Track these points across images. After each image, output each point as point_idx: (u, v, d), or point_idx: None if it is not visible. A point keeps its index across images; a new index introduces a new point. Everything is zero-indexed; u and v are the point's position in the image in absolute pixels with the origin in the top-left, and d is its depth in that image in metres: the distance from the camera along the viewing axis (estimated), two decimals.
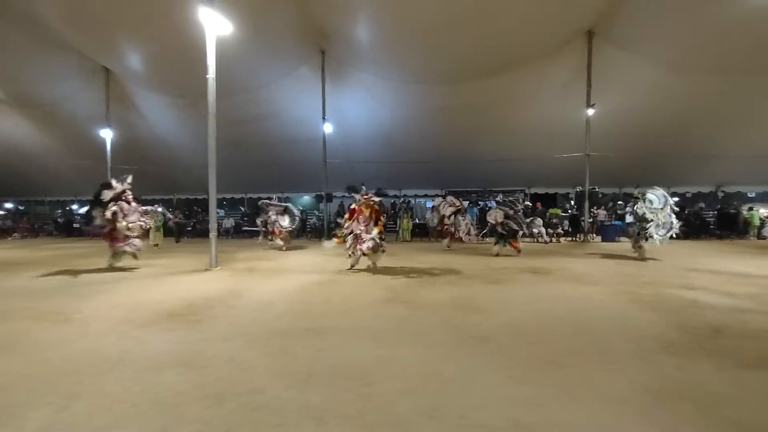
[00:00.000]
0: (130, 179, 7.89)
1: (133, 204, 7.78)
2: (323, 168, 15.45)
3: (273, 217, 11.89)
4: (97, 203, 7.60)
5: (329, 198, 16.52)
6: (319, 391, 2.36)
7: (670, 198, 8.84)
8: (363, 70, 14.54)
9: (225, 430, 1.97)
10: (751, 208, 15.76)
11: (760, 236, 15.17)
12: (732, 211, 15.74)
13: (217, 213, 11.14)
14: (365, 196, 7.12)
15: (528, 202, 16.57)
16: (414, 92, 14.55)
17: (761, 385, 2.43)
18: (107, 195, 7.56)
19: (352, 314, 4.21)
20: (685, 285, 5.61)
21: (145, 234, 8.97)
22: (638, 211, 8.53)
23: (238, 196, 22.51)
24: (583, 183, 14.11)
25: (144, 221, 7.90)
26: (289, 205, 12.55)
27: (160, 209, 13.29)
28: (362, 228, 7.05)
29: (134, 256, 7.88)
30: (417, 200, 20.50)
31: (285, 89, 15.17)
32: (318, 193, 17.12)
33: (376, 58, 13.82)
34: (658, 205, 8.57)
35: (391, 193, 20.43)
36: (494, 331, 3.52)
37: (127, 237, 7.67)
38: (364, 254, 7.12)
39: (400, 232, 15.62)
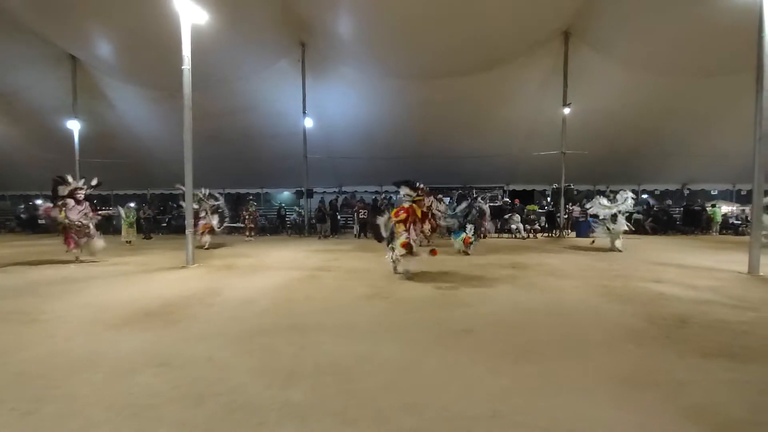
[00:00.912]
0: (95, 182, 8.26)
1: (84, 204, 8.02)
2: (304, 163, 15.26)
3: (202, 213, 10.88)
4: (56, 199, 7.84)
5: (309, 194, 16.34)
6: (301, 389, 2.36)
7: (627, 202, 9.56)
8: (344, 64, 14.42)
9: (204, 431, 1.94)
10: (713, 205, 16.64)
11: (721, 232, 16.05)
12: (696, 207, 16.57)
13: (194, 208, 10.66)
14: (418, 193, 5.93)
15: (507, 199, 16.93)
16: (395, 88, 14.56)
17: (720, 372, 2.59)
18: (63, 190, 7.84)
19: (334, 311, 4.20)
20: (653, 278, 5.89)
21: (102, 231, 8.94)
22: (588, 208, 9.41)
23: (215, 190, 21.92)
24: (560, 180, 14.52)
25: (83, 221, 7.94)
26: (221, 202, 11.71)
27: (122, 210, 12.62)
28: (415, 237, 5.89)
29: (77, 257, 7.99)
30: (398, 196, 20.54)
31: (265, 82, 14.87)
32: (298, 188, 16.90)
33: (357, 53, 13.73)
34: (607, 204, 9.63)
35: (372, 189, 20.49)
36: (474, 325, 3.60)
37: (80, 234, 7.87)
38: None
39: None
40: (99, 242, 8.22)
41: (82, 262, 8.01)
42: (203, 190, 11.10)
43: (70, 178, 8.17)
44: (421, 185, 6.02)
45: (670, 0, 10.70)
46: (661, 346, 3.04)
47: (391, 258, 6.22)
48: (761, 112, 6.33)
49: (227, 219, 11.75)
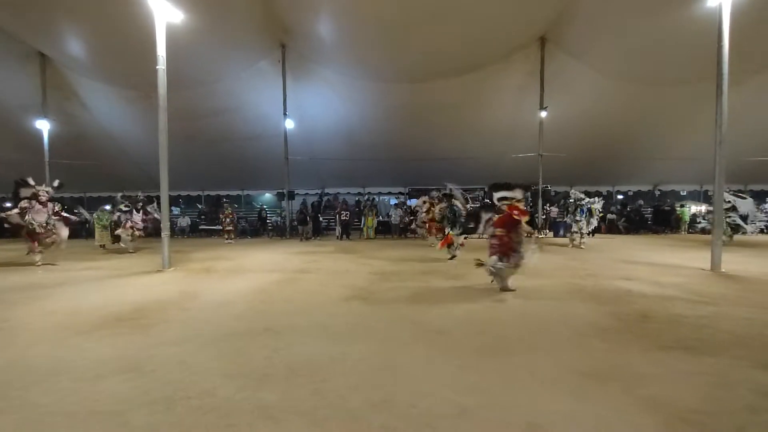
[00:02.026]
0: (56, 183, 8.40)
1: (49, 205, 8.08)
2: (285, 165, 15.14)
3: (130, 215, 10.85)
4: (19, 201, 7.88)
5: (291, 195, 16.22)
6: (273, 391, 2.36)
7: (593, 203, 10.71)
8: (325, 66, 14.39)
9: None
10: (682, 205, 17.39)
11: (690, 231, 16.77)
12: (666, 208, 17.28)
13: (171, 211, 10.47)
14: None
15: (488, 200, 17.19)
16: (375, 90, 14.62)
17: (676, 364, 2.73)
18: (25, 193, 7.91)
19: (311, 313, 4.20)
20: (623, 276, 6.12)
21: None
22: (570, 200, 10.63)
23: (194, 193, 21.51)
24: (537, 181, 14.87)
25: (48, 223, 8.00)
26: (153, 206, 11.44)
27: (86, 213, 12.38)
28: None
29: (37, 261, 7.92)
30: (381, 197, 20.65)
31: (244, 83, 14.68)
32: (280, 190, 16.73)
33: (338, 55, 13.73)
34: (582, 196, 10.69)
35: (354, 190, 20.50)
36: (449, 324, 3.67)
37: (41, 235, 7.89)
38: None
39: (365, 229, 15.67)
40: (63, 242, 8.21)
41: (44, 265, 7.87)
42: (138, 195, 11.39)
43: (31, 181, 8.10)
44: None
45: (637, 10, 11.14)
46: (625, 341, 3.18)
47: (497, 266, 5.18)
48: (722, 117, 6.68)
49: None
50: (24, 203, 7.87)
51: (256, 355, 2.96)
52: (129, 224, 10.79)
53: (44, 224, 7.93)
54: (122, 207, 11.08)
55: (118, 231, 10.96)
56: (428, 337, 3.34)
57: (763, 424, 1.98)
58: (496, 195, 5.46)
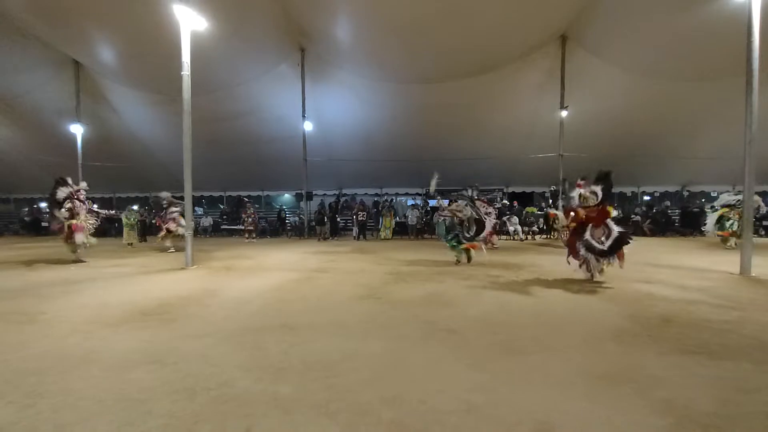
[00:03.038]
0: (84, 185, 8.83)
1: (85, 204, 8.64)
2: (303, 166, 15.40)
3: (174, 215, 10.99)
4: (54, 201, 8.37)
5: (309, 196, 16.49)
6: (288, 384, 2.45)
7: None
8: (342, 68, 14.57)
9: (193, 422, 2.03)
10: (712, 207, 16.62)
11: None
12: (695, 209, 16.58)
13: (195, 211, 10.77)
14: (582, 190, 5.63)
15: (506, 201, 16.99)
16: (393, 91, 14.69)
17: (695, 368, 2.66)
18: (63, 192, 8.36)
19: (326, 311, 4.29)
20: (645, 279, 5.95)
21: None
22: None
23: (216, 194, 22.16)
24: (558, 182, 14.57)
25: (91, 222, 8.61)
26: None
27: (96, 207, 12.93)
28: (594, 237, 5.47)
29: (75, 250, 8.45)
30: (398, 198, 20.70)
31: (264, 86, 15.04)
32: (298, 191, 17.04)
33: (356, 57, 13.88)
34: None
35: (372, 191, 20.63)
36: (461, 324, 3.68)
37: (78, 231, 8.30)
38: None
39: (382, 230, 15.75)
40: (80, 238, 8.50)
41: (75, 262, 8.33)
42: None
43: (70, 180, 8.58)
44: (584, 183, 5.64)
45: (662, 5, 10.78)
46: (642, 344, 3.12)
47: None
48: (752, 115, 6.41)
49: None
50: (68, 203, 8.32)
51: (273, 349, 3.07)
52: (172, 227, 10.92)
53: (85, 219, 8.46)
54: (171, 207, 11.19)
55: (171, 228, 10.91)
56: (440, 336, 3.36)
57: None
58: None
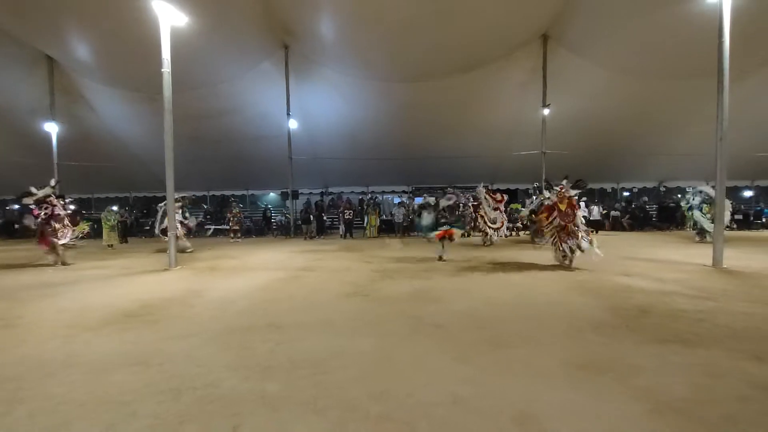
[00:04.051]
0: (53, 182, 8.55)
1: (58, 204, 8.35)
2: (288, 164, 15.26)
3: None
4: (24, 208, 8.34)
5: (295, 195, 16.36)
6: (276, 382, 2.45)
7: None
8: (327, 66, 14.48)
9: (178, 423, 2.01)
10: (689, 206, 17.21)
11: (694, 228, 16.61)
12: (672, 204, 17.15)
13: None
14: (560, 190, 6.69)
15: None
16: (378, 89, 14.68)
17: (671, 356, 2.78)
18: (28, 201, 8.18)
19: (313, 309, 4.29)
20: (623, 272, 6.14)
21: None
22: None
23: (200, 193, 21.71)
24: (541, 179, 14.84)
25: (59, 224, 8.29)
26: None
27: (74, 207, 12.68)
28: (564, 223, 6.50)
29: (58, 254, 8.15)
30: (383, 196, 20.73)
31: (248, 84, 14.82)
32: (284, 189, 16.88)
33: (340, 55, 13.81)
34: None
35: (358, 189, 20.59)
36: (447, 319, 3.74)
37: (57, 235, 8.08)
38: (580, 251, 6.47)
39: (367, 228, 15.76)
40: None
41: (56, 265, 8.04)
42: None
43: (33, 189, 8.28)
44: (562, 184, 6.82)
45: (640, 6, 11.08)
46: (621, 335, 3.23)
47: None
48: (723, 113, 6.67)
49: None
50: (45, 210, 8.04)
51: (259, 349, 3.05)
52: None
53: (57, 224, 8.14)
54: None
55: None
56: (426, 332, 3.41)
57: (751, 413, 2.02)
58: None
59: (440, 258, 7.86)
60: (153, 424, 2.00)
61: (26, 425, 2.01)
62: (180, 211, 10.98)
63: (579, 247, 6.44)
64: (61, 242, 8.11)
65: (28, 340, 3.36)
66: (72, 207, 9.27)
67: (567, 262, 6.69)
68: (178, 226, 10.59)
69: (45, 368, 2.72)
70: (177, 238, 10.63)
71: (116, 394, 2.32)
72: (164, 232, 10.54)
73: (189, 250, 10.37)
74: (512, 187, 19.88)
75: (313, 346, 3.09)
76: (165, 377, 2.54)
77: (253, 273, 6.82)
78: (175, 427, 1.97)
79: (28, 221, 8.25)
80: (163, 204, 11.18)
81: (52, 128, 15.10)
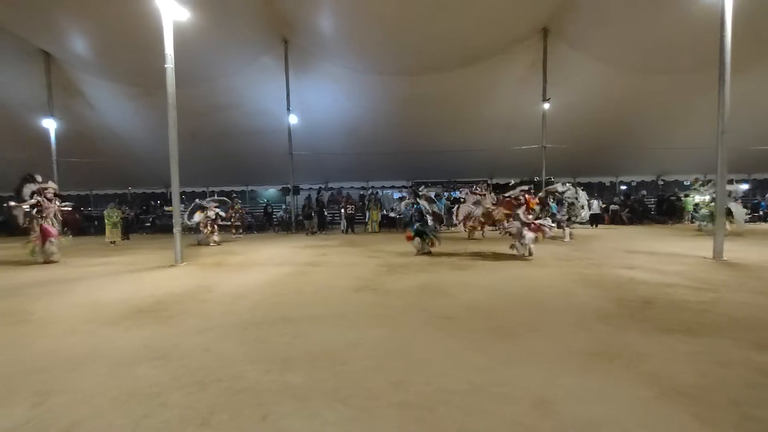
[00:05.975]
0: (39, 179, 8.45)
1: (56, 202, 8.39)
2: (289, 160, 15.26)
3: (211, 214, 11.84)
4: (20, 198, 8.07)
5: (296, 190, 16.38)
6: (297, 373, 2.52)
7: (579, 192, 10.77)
8: (327, 60, 14.45)
9: (209, 413, 2.08)
10: (686, 195, 17.39)
11: (693, 220, 16.80)
12: (671, 197, 17.31)
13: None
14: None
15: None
16: (378, 83, 14.68)
17: (676, 344, 2.87)
18: (29, 189, 8.11)
19: (324, 303, 4.37)
20: (625, 265, 6.25)
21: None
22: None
23: (199, 189, 21.68)
24: (541, 173, 14.95)
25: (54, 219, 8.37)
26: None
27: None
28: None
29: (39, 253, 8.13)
30: (384, 191, 20.76)
31: (247, 79, 14.77)
32: (284, 185, 16.89)
33: (340, 49, 13.78)
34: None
35: (358, 185, 20.62)
36: (456, 311, 3.82)
37: (50, 232, 8.11)
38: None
39: (369, 223, 15.82)
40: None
41: (47, 262, 8.09)
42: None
43: (39, 177, 8.35)
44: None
45: (640, 1, 11.10)
46: (626, 325, 3.33)
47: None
48: (724, 107, 6.74)
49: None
50: (35, 200, 8.04)
51: (277, 342, 3.13)
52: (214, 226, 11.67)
53: (51, 220, 8.18)
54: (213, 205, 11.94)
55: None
56: (437, 323, 3.49)
57: (757, 399, 2.11)
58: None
59: (423, 252, 8.12)
60: (184, 413, 2.07)
61: (63, 415, 2.08)
62: (215, 211, 11.80)
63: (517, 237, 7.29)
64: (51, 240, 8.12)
65: (44, 335, 3.42)
66: (68, 208, 9.29)
67: (515, 251, 7.42)
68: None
69: (69, 362, 2.78)
70: (211, 233, 11.58)
71: (144, 386, 2.39)
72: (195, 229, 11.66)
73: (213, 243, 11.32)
74: (512, 181, 19.96)
75: (329, 339, 3.17)
76: (188, 370, 2.61)
77: (259, 268, 6.88)
78: (205, 416, 2.05)
79: (18, 212, 8.05)
80: (199, 201, 12.24)
81: (50, 124, 15.03)
